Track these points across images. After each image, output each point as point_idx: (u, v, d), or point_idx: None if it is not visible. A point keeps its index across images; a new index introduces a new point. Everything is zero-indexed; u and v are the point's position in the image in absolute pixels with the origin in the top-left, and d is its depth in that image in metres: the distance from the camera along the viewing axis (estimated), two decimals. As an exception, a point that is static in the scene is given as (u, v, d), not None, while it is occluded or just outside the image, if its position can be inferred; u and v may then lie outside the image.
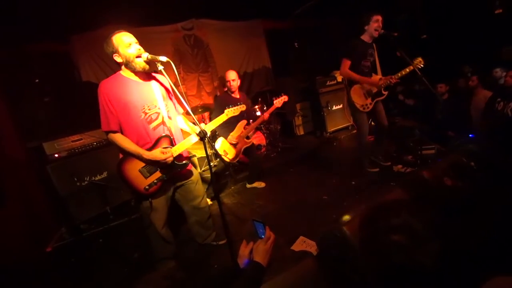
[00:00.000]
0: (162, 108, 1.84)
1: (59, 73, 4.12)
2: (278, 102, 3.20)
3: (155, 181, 1.81)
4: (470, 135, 2.90)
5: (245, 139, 3.17)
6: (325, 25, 6.24)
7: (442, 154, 3.18)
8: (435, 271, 0.61)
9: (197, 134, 1.62)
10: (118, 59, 1.71)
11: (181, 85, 1.66)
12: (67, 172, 3.00)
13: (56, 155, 2.99)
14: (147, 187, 1.79)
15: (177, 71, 1.60)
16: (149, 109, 1.79)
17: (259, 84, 5.99)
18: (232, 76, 3.24)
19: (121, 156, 1.81)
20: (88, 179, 3.12)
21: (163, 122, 1.85)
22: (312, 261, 1.29)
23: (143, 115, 1.76)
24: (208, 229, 2.34)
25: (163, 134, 1.82)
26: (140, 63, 1.70)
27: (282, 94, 3.25)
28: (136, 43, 1.72)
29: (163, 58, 1.63)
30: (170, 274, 2.13)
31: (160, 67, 1.65)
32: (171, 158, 1.79)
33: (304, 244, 2.15)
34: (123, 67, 1.75)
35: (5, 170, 2.68)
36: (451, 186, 1.98)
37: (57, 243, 2.89)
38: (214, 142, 3.16)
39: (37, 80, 3.73)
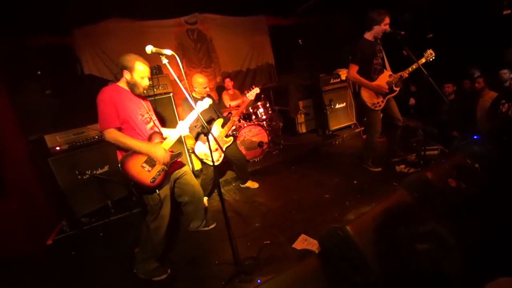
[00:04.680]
0: (152, 116, 2.14)
1: (61, 66, 4.11)
2: (250, 95, 3.20)
3: (158, 173, 1.94)
4: (474, 137, 2.88)
5: (224, 139, 3.10)
6: (329, 22, 6.18)
7: (445, 155, 3.16)
8: (458, 283, 0.59)
9: (201, 131, 1.63)
10: (127, 76, 1.95)
11: (185, 79, 1.70)
12: (69, 165, 2.98)
13: (58, 148, 2.98)
14: (152, 179, 1.90)
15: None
16: (143, 114, 2.04)
17: (262, 81, 5.96)
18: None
19: (119, 156, 1.91)
20: (89, 172, 3.11)
21: (155, 125, 2.13)
22: (315, 260, 1.27)
23: (140, 116, 2.01)
24: (203, 215, 2.62)
25: (154, 130, 2.07)
26: (141, 91, 2.02)
27: (253, 86, 3.28)
28: (148, 77, 2.00)
29: (168, 52, 1.65)
30: (171, 270, 2.13)
31: (165, 61, 1.67)
32: (168, 158, 1.99)
33: (305, 243, 2.14)
34: (123, 80, 1.97)
35: (6, 162, 2.67)
36: (455, 187, 1.97)
37: (58, 236, 2.89)
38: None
39: (39, 73, 3.71)
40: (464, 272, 0.60)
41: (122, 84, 1.99)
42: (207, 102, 2.41)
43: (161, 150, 1.95)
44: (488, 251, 1.34)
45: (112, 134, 1.83)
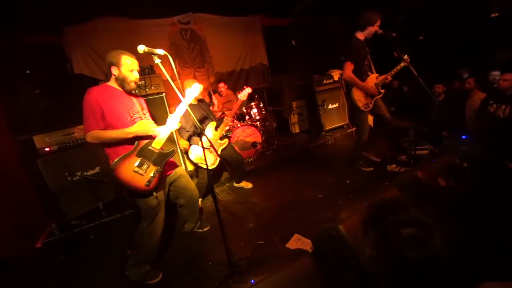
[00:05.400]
0: (144, 115, 2.06)
1: (50, 65, 4.02)
2: (242, 95, 3.11)
3: (152, 175, 1.87)
4: (463, 137, 2.94)
5: (218, 141, 3.07)
6: (323, 23, 6.22)
7: (435, 155, 3.22)
8: (450, 262, 0.61)
9: (195, 130, 1.62)
10: (115, 72, 1.88)
11: (178, 79, 1.69)
12: (58, 166, 2.92)
13: (47, 149, 2.91)
14: (147, 183, 1.84)
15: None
16: (133, 114, 1.97)
17: (256, 81, 5.97)
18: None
19: (111, 162, 1.86)
20: (80, 174, 3.05)
21: None
22: (309, 260, 1.28)
23: (129, 117, 1.94)
24: (198, 217, 2.58)
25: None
26: (132, 86, 1.94)
27: (245, 86, 3.19)
28: (137, 70, 1.92)
29: (160, 51, 1.64)
30: (165, 270, 2.11)
31: (157, 61, 1.65)
32: (152, 130, 1.93)
33: (299, 242, 2.15)
34: (113, 78, 1.91)
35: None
36: (444, 186, 2.01)
37: (47, 239, 2.83)
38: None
39: (28, 72, 3.62)
40: (451, 251, 0.62)
41: (112, 83, 1.93)
42: (197, 88, 2.24)
43: (140, 124, 1.89)
44: (478, 251, 1.37)
45: (93, 134, 1.79)
